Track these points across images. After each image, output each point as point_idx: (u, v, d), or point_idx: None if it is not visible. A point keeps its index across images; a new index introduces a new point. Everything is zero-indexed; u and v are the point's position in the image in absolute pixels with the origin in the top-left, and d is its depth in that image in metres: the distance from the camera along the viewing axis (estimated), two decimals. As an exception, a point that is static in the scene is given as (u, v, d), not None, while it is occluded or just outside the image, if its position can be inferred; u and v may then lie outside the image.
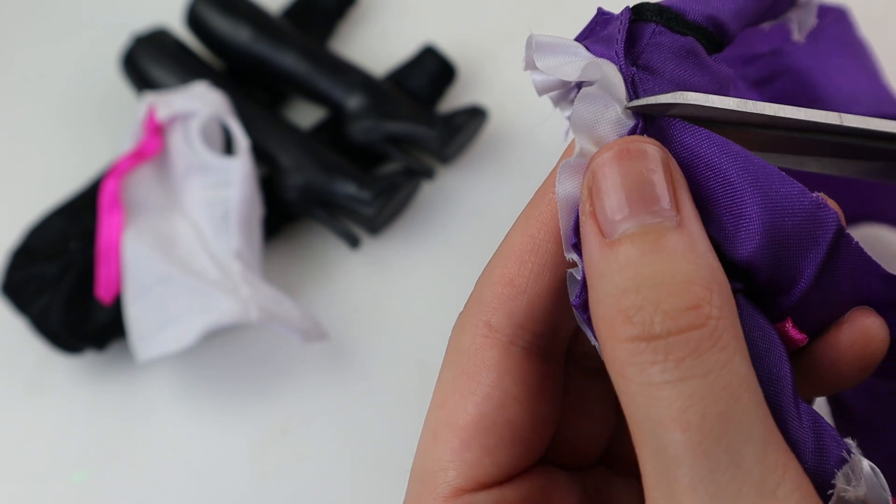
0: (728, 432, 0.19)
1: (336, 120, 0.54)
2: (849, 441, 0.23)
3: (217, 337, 0.49)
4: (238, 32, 0.53)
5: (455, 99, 0.56)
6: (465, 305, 0.24)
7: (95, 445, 0.47)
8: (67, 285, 0.47)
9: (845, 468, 0.22)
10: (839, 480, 0.22)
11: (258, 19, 0.54)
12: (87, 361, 0.49)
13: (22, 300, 0.47)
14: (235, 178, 0.47)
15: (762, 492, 0.19)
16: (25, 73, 0.59)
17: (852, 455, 0.23)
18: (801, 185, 0.22)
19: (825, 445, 0.22)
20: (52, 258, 0.47)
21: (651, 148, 0.21)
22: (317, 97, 0.53)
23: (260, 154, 0.51)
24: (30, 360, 0.49)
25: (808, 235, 0.22)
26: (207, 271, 0.46)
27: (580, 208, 0.22)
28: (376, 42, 0.59)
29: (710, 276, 0.20)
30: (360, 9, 0.60)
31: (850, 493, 0.22)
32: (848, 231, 0.23)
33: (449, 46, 0.56)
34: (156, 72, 0.52)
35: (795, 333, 0.24)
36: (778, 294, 0.23)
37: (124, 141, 0.50)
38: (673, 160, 0.22)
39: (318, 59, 0.53)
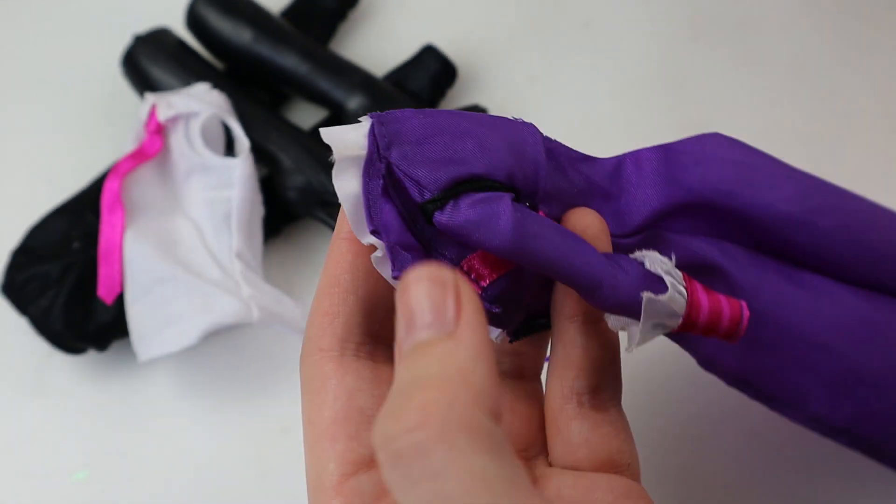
0: None
1: (337, 120, 0.54)
2: (650, 252, 0.29)
3: (218, 336, 0.49)
4: (239, 33, 0.53)
5: (455, 100, 0.56)
6: (302, 347, 0.29)
7: (97, 444, 0.47)
8: (69, 285, 0.47)
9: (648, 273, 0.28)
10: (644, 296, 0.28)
11: (259, 20, 0.54)
12: (88, 361, 0.49)
13: (23, 300, 0.47)
14: (236, 178, 0.48)
15: None
16: (27, 74, 0.59)
17: (646, 260, 0.29)
18: (509, 119, 0.30)
19: (625, 266, 0.28)
20: (54, 258, 0.47)
21: (413, 275, 0.23)
22: (317, 98, 0.53)
23: (261, 154, 0.51)
24: (32, 359, 0.49)
25: (524, 142, 0.29)
26: (208, 271, 0.46)
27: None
28: (377, 42, 0.59)
29: (447, 387, 0.22)
30: (361, 9, 0.60)
31: (660, 300, 0.28)
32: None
33: (449, 47, 0.56)
34: (156, 72, 0.52)
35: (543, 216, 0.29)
36: (530, 194, 0.29)
37: (126, 141, 0.50)
38: (449, 276, 0.23)
39: (319, 59, 0.53)
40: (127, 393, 0.48)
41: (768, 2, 0.60)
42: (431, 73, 0.54)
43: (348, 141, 0.27)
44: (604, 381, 0.29)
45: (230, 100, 0.50)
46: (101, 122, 0.56)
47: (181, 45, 0.54)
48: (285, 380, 0.48)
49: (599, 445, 0.29)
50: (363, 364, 0.28)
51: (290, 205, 0.51)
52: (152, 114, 0.48)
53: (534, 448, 0.31)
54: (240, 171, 0.48)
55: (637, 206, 0.32)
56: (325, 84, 0.53)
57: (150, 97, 0.49)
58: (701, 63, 0.58)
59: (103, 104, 0.57)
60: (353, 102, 0.52)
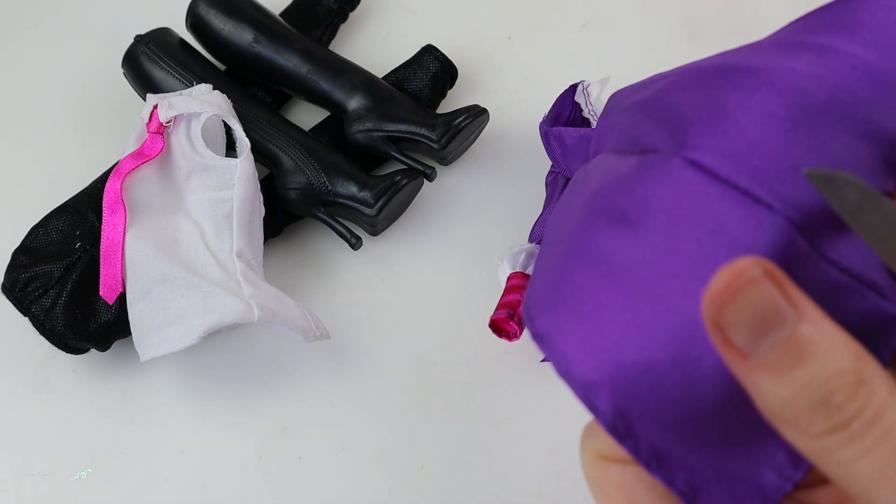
0: None
1: (337, 120, 0.54)
2: None
3: (219, 336, 0.49)
4: (239, 34, 0.54)
5: (455, 100, 0.56)
6: None
7: (98, 443, 0.47)
8: (71, 285, 0.47)
9: None
10: None
11: (259, 21, 0.54)
12: (90, 359, 0.49)
13: (25, 300, 0.47)
14: (237, 178, 0.48)
15: None
16: (30, 74, 0.59)
17: None
18: None
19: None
20: (56, 258, 0.47)
21: (755, 270, 0.23)
22: (318, 98, 0.53)
23: (261, 154, 0.51)
24: (33, 358, 0.49)
25: None
26: (209, 271, 0.46)
27: (713, 337, 0.24)
28: (377, 43, 0.59)
29: (850, 354, 0.23)
30: (361, 9, 0.60)
31: None
32: None
33: (449, 48, 0.56)
34: (157, 72, 0.52)
35: None
36: None
37: (128, 141, 0.50)
38: (772, 269, 0.23)
39: (320, 60, 0.53)
40: (128, 392, 0.49)
41: (765, 3, 0.60)
42: (432, 73, 0.55)
43: None
44: None
45: (231, 100, 0.50)
46: (101, 122, 0.56)
47: (182, 44, 0.54)
48: (285, 380, 0.49)
49: None
50: None
51: (290, 205, 0.51)
52: (154, 114, 0.48)
53: None
54: (240, 171, 0.48)
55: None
56: (325, 84, 0.53)
57: (152, 98, 0.49)
58: (699, 64, 0.58)
59: (104, 104, 0.57)
60: (354, 103, 0.52)
